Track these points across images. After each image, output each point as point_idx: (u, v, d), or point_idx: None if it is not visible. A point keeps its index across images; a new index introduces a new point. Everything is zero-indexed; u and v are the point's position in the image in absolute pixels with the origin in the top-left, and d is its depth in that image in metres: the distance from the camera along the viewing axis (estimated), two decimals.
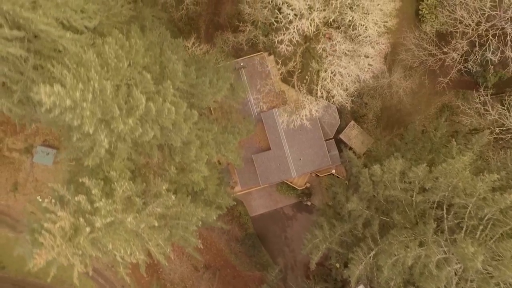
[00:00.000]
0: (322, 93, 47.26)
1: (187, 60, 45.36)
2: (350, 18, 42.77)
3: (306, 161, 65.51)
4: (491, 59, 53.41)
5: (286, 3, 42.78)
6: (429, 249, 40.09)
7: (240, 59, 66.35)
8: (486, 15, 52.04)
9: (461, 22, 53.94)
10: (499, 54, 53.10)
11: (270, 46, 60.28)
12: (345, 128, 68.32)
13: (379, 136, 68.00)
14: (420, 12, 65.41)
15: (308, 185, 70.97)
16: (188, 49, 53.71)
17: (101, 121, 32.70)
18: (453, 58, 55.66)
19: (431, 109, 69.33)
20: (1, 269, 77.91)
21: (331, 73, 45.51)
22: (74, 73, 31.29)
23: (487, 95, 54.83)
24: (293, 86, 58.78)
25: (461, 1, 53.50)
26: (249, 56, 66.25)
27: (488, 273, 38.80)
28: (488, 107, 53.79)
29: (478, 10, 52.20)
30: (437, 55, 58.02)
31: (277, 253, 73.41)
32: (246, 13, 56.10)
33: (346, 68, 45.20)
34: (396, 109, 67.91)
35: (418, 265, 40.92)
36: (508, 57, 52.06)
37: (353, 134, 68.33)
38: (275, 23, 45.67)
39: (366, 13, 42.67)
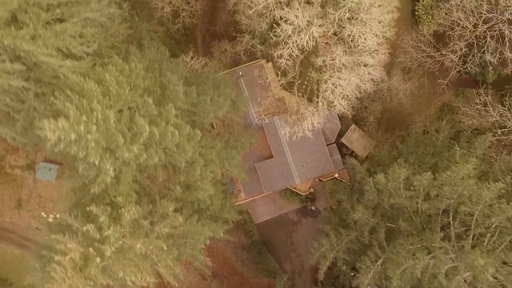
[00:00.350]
0: (323, 103, 47.30)
1: (188, 78, 45.35)
2: (349, 32, 42.77)
3: (309, 167, 65.58)
4: (490, 61, 53.41)
5: (284, 18, 42.74)
6: (437, 257, 40.20)
7: (239, 67, 66.31)
8: (483, 17, 52.03)
9: (458, 25, 53.93)
10: (497, 55, 53.11)
11: (267, 53, 60.25)
12: (346, 132, 68.33)
13: (380, 139, 68.07)
14: (416, 13, 65.35)
15: (311, 190, 71.04)
16: (187, 63, 53.67)
17: (105, 150, 32.75)
18: (452, 60, 55.65)
19: (431, 108, 69.33)
20: (8, 286, 77.99)
21: (332, 84, 45.55)
22: (77, 104, 31.32)
23: (487, 96, 54.83)
24: (293, 94, 59.03)
25: (457, 4, 53.41)
26: (247, 65, 66.15)
27: (499, 282, 38.92)
28: (489, 108, 53.83)
29: (475, 12, 52.18)
30: (436, 57, 58.01)
31: (284, 259, 73.57)
32: (243, 24, 56.06)
33: (346, 79, 45.22)
34: (397, 111, 67.93)
35: (427, 274, 41.01)
36: (507, 58, 52.11)
37: (354, 138, 68.36)
38: (273, 37, 45.62)
39: (364, 26, 42.62)
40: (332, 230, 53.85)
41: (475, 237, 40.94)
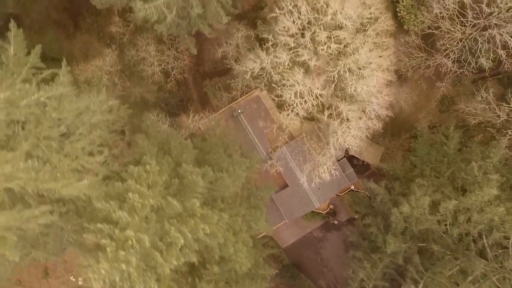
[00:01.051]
0: (335, 149, 47.67)
1: (198, 154, 45.38)
2: (352, 90, 42.89)
3: (325, 188, 65.84)
4: (485, 65, 53.69)
5: (286, 84, 42.73)
6: (480, 283, 40.85)
7: (235, 103, 66.10)
8: (471, 24, 52.07)
9: (448, 32, 53.96)
10: (491, 55, 53.34)
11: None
12: None
13: (389, 145, 68.21)
14: (398, 15, 65.21)
15: (331, 206, 71.72)
16: (189, 125, 53.79)
17: (146, 270, 33.05)
18: (447, 66, 55.84)
19: (432, 102, 69.48)
20: None
21: (342, 133, 45.86)
22: (110, 234, 31.54)
23: (488, 93, 55.00)
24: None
25: (442, 12, 53.34)
26: (243, 98, 65.87)
27: None
28: (493, 105, 54.04)
29: (462, 19, 52.26)
30: (430, 64, 58.07)
31: (317, 276, 74.46)
32: (235, 70, 56.05)
33: (355, 127, 45.53)
34: (399, 115, 68.06)
35: None
36: (503, 58, 52.43)
37: (363, 148, 68.68)
38: (275, 98, 45.69)
39: (366, 79, 42.73)
40: (364, 255, 54.54)
41: None
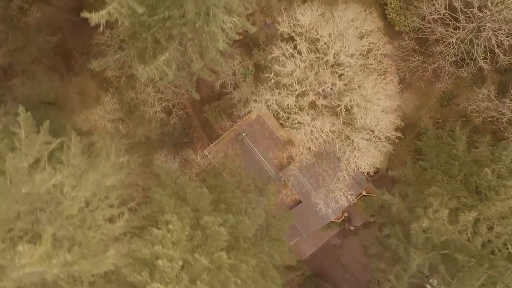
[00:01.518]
0: (349, 175, 48.03)
1: (213, 194, 45.58)
2: (362, 122, 43.12)
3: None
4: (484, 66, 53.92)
5: (294, 123, 42.91)
6: None
7: (237, 125, 66.14)
8: (466, 29, 52.17)
9: (442, 38, 54.10)
10: (488, 54, 53.55)
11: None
12: None
13: (395, 147, 68.38)
14: (388, 17, 65.24)
15: (345, 214, 72.15)
16: (199, 162, 53.97)
17: None
18: (445, 69, 56.04)
19: (432, 98, 69.62)
20: None
21: (355, 158, 46.17)
22: None
23: (489, 92, 55.17)
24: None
25: (434, 18, 53.44)
26: (244, 119, 65.90)
27: None
28: (495, 102, 54.23)
29: (455, 23, 52.40)
30: (426, 65, 58.21)
31: (340, 282, 75.07)
32: (236, 97, 56.17)
33: (366, 153, 45.86)
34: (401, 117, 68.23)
35: None
36: (500, 57, 52.71)
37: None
38: (284, 134, 45.94)
39: (374, 110, 42.92)
40: (387, 267, 54.88)
41: None
